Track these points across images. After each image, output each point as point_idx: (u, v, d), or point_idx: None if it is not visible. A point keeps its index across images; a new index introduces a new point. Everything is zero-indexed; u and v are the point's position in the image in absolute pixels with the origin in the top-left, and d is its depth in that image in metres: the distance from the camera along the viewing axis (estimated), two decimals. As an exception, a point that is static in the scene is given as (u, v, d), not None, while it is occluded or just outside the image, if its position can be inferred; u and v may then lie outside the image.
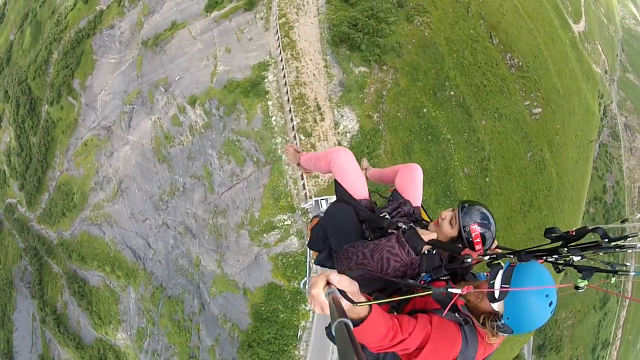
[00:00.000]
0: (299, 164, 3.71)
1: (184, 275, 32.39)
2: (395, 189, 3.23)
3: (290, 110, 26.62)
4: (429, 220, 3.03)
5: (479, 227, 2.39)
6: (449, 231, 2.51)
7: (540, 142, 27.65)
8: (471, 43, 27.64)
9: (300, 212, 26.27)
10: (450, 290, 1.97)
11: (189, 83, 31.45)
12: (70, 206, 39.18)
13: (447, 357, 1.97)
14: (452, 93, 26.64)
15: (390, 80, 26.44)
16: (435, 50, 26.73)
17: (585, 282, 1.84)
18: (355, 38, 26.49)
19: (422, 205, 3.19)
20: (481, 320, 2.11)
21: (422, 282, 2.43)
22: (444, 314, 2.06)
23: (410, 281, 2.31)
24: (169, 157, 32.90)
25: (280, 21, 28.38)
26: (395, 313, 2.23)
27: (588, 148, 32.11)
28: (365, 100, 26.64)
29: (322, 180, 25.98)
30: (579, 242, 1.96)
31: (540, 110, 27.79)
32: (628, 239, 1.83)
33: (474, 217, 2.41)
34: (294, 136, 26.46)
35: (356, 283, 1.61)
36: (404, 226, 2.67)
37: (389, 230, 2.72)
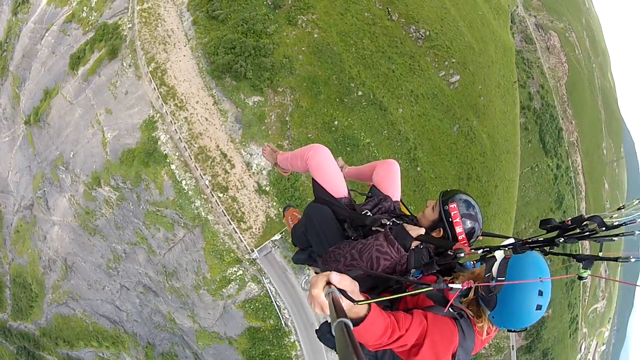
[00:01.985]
0: (276, 164, 3.65)
1: (165, 330, 32.77)
2: (373, 185, 3.18)
3: (196, 168, 24.35)
4: (409, 215, 3.00)
5: (458, 207, 2.40)
6: (431, 214, 2.57)
7: (465, 111, 25.76)
8: (368, 28, 24.13)
9: (247, 262, 25.59)
10: (451, 286, 1.96)
11: (85, 158, 28.17)
12: (33, 296, 38.06)
13: (446, 352, 1.95)
14: (360, 93, 24.08)
15: (290, 103, 23.61)
16: (331, 52, 23.45)
17: (588, 272, 1.83)
18: (237, 68, 23.09)
19: (401, 200, 3.14)
20: (474, 308, 2.09)
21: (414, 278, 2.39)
22: (444, 311, 2.03)
23: (410, 278, 2.30)
24: (98, 229, 30.87)
25: (150, 68, 24.41)
26: (389, 310, 2.13)
27: (512, 90, 30.21)
28: (269, 132, 24.08)
29: (255, 229, 24.80)
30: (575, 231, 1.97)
31: (458, 77, 25.37)
32: (625, 226, 1.83)
33: (454, 199, 2.45)
34: (211, 194, 24.62)
35: (357, 282, 1.62)
36: (388, 223, 2.61)
37: (373, 228, 2.66)
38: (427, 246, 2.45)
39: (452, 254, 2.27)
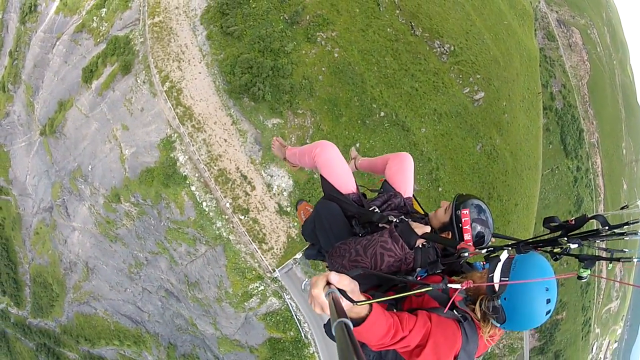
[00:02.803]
0: (284, 158, 3.68)
1: (186, 333, 34.03)
2: (385, 180, 3.15)
3: (217, 190, 24.29)
4: (421, 212, 3.02)
5: (469, 214, 2.39)
6: (442, 216, 2.56)
7: (488, 129, 24.99)
8: (391, 45, 23.02)
9: (269, 279, 26.05)
10: (449, 285, 1.99)
11: (103, 172, 28.18)
12: (54, 296, 39.39)
13: (449, 354, 1.97)
14: (382, 114, 23.40)
15: (310, 125, 23.06)
16: (352, 72, 22.54)
17: (588, 272, 1.84)
18: (255, 90, 22.46)
19: (414, 196, 3.11)
20: (480, 315, 2.10)
21: (418, 278, 2.43)
22: (444, 311, 2.06)
23: (409, 278, 2.30)
24: (119, 237, 31.43)
25: (165, 87, 23.82)
26: (394, 310, 2.21)
27: (536, 102, 29.01)
28: (290, 154, 23.89)
29: (277, 249, 25.03)
30: (578, 230, 1.98)
31: (483, 94, 24.38)
32: (629, 226, 1.82)
33: (466, 204, 2.44)
34: (232, 216, 24.69)
35: (356, 282, 1.63)
36: (395, 220, 2.61)
37: (380, 225, 2.67)
38: (435, 245, 2.44)
39: (456, 253, 2.22)
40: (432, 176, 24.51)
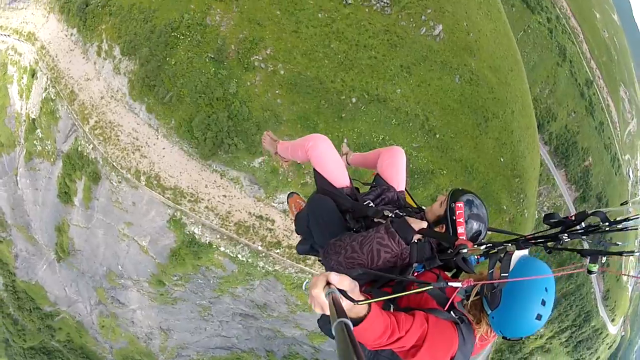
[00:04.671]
0: (276, 153, 3.79)
1: (276, 338, 37.58)
2: (377, 174, 3.20)
3: (244, 240, 25.00)
4: (414, 205, 3.07)
5: (463, 207, 2.41)
6: (438, 210, 2.61)
7: (460, 57, 23.23)
8: (329, 29, 20.37)
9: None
10: (450, 284, 1.96)
11: (134, 266, 29.15)
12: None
13: (445, 356, 2.01)
14: (353, 100, 22.30)
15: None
16: (305, 79, 20.97)
17: (597, 266, 1.86)
18: (225, 147, 21.75)
19: (406, 189, 3.15)
20: (478, 316, 2.16)
21: (415, 274, 2.45)
22: (445, 308, 2.12)
23: (410, 277, 2.33)
24: (178, 298, 33.48)
25: (142, 181, 23.29)
26: (391, 307, 2.24)
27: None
28: (289, 179, 23.63)
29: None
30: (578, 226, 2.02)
31: (440, 26, 22.47)
32: (629, 221, 1.86)
33: (461, 198, 2.47)
34: (269, 252, 25.67)
35: (357, 282, 1.63)
36: (390, 215, 2.62)
37: (375, 220, 2.67)
38: (430, 240, 2.44)
39: (454, 249, 2.22)
40: (425, 129, 24.21)
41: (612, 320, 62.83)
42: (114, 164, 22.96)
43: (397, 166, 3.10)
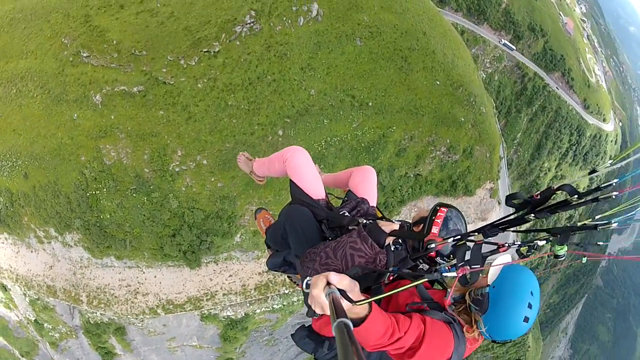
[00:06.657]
0: (251, 172, 3.81)
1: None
2: (349, 190, 3.23)
3: (270, 294, 26.42)
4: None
5: (446, 212, 2.45)
6: (424, 212, 2.67)
7: (348, 20, 21.65)
8: (222, 101, 20.24)
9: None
10: (445, 274, 1.97)
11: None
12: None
13: (442, 356, 2.03)
14: (280, 132, 21.88)
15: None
16: (228, 150, 20.51)
17: (565, 248, 1.75)
18: (202, 250, 22.25)
19: (377, 207, 3.17)
20: (471, 317, 2.17)
21: (390, 277, 2.41)
22: (446, 304, 2.17)
23: (405, 271, 2.33)
24: (245, 350, 36.03)
25: (161, 312, 24.32)
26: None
27: None
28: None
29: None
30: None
31: (315, 3, 20.68)
32: (601, 190, 1.69)
33: (448, 207, 2.52)
34: (294, 288, 27.05)
35: (357, 282, 1.64)
36: (364, 221, 2.68)
37: (350, 227, 2.70)
38: (406, 246, 2.45)
39: (423, 246, 2.28)
40: (355, 106, 23.62)
41: (604, 120, 64.27)
42: (129, 316, 23.90)
43: (368, 183, 3.16)
